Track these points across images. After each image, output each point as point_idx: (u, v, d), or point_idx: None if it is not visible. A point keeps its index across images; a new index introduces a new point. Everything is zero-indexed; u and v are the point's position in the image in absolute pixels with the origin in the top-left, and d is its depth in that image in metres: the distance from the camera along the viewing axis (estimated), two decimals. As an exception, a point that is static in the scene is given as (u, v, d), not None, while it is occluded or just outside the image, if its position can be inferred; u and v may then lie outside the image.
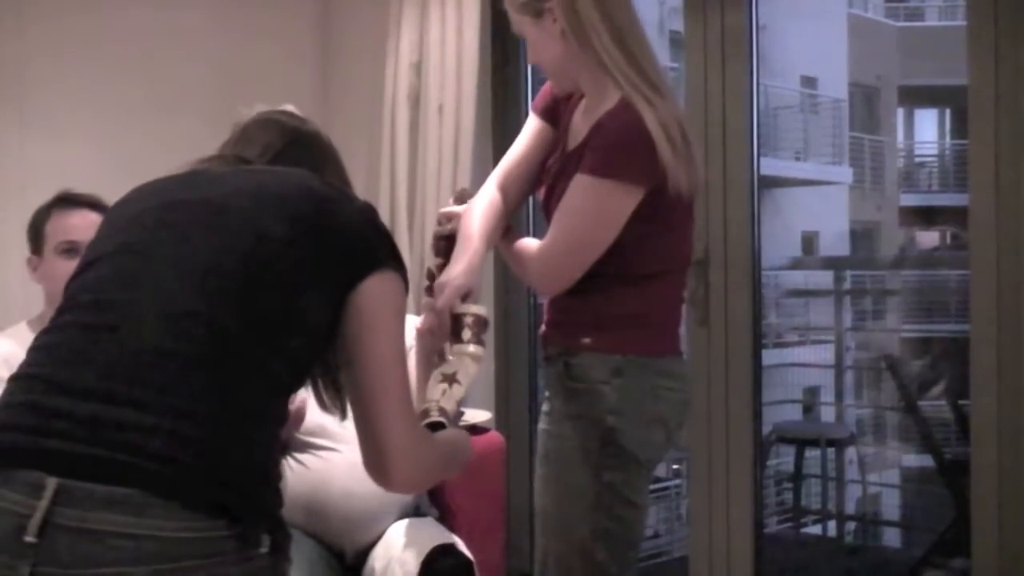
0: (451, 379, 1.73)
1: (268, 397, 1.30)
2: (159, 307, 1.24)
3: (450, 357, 1.79)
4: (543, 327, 2.04)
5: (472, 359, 1.78)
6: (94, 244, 1.38)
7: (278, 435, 1.32)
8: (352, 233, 1.37)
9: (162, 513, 1.14)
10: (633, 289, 1.91)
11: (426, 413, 1.66)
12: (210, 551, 1.15)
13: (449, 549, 2.28)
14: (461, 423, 2.73)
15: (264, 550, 1.21)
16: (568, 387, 1.92)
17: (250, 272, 1.28)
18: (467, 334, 1.79)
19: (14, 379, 1.26)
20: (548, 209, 1.96)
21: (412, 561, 2.22)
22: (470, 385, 1.77)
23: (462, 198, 2.04)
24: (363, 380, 1.35)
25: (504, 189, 2.03)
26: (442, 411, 1.68)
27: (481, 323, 1.80)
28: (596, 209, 1.85)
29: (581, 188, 1.85)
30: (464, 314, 1.79)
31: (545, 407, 2.07)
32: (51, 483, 1.14)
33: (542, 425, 2.06)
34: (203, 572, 1.15)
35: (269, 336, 1.28)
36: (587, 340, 1.91)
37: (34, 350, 1.28)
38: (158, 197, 1.39)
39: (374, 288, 1.35)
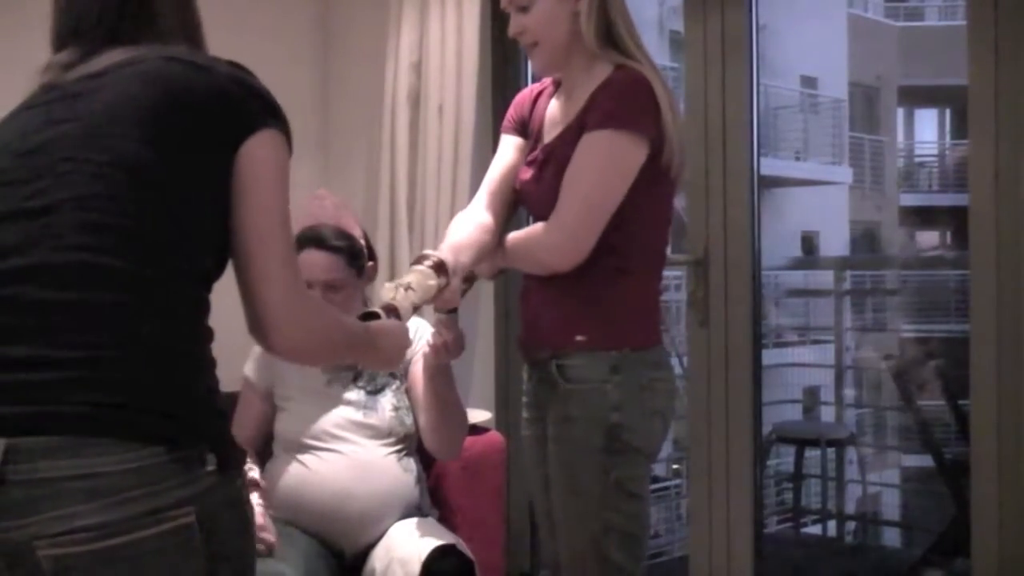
0: (406, 287, 1.81)
1: (182, 320, 1.31)
2: (52, 262, 1.25)
3: (407, 276, 1.86)
4: (522, 331, 2.04)
5: (421, 275, 1.84)
6: None
7: (203, 353, 1.33)
8: (217, 107, 1.33)
9: (101, 451, 1.19)
10: (625, 280, 1.91)
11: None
12: (154, 478, 1.20)
13: (450, 549, 2.28)
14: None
15: (211, 468, 1.25)
16: (565, 389, 1.92)
17: (133, 204, 1.27)
18: (428, 263, 1.86)
19: None
20: (539, 194, 1.96)
21: (413, 561, 2.22)
22: (425, 297, 1.84)
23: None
24: (244, 241, 1.33)
25: (492, 208, 2.04)
26: (387, 307, 1.76)
27: (440, 264, 1.87)
28: (610, 162, 1.85)
29: (591, 145, 1.86)
30: (430, 254, 1.89)
31: (529, 413, 2.06)
32: (0, 444, 1.19)
33: (529, 432, 2.06)
34: (150, 499, 1.20)
35: (166, 261, 1.29)
36: (581, 337, 1.90)
37: None
38: (22, 143, 1.34)
39: (252, 151, 1.33)
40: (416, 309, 1.84)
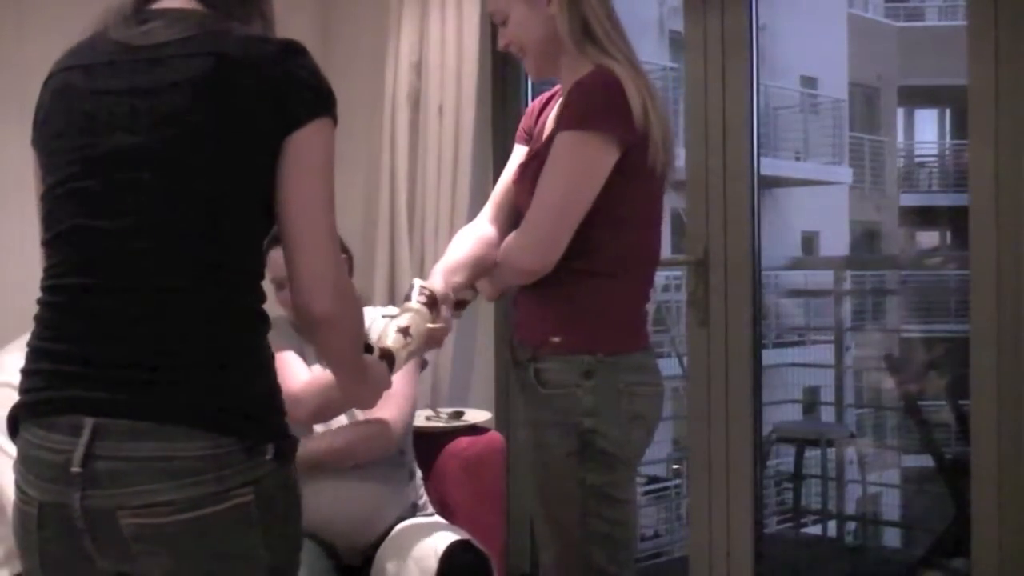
0: (405, 332, 1.87)
1: (252, 324, 1.45)
2: (130, 285, 1.39)
3: (403, 316, 1.91)
4: (512, 333, 2.03)
5: (419, 316, 1.90)
6: (47, 214, 1.47)
7: (267, 352, 1.46)
8: (267, 108, 1.41)
9: (183, 437, 1.35)
10: (603, 283, 1.89)
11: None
12: (224, 464, 1.36)
13: (467, 545, 2.28)
14: (461, 422, 2.76)
15: (269, 457, 1.40)
16: (540, 394, 1.91)
17: (201, 223, 1.39)
18: (421, 299, 1.92)
19: (33, 350, 1.45)
20: (520, 195, 1.97)
21: (430, 558, 2.21)
22: (420, 343, 1.90)
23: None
24: (292, 221, 1.43)
25: (496, 220, 2.05)
26: (385, 351, 1.83)
27: (433, 298, 1.93)
28: (576, 162, 1.83)
29: (559, 147, 1.85)
30: (422, 286, 1.95)
31: (519, 417, 2.06)
32: (88, 423, 1.35)
33: (518, 433, 2.05)
34: (219, 482, 1.36)
35: (236, 272, 1.43)
36: (556, 339, 1.89)
37: (40, 323, 1.46)
38: (89, 143, 1.42)
39: (300, 143, 1.42)
40: (411, 357, 1.91)
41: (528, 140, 2.08)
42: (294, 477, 1.47)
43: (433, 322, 1.92)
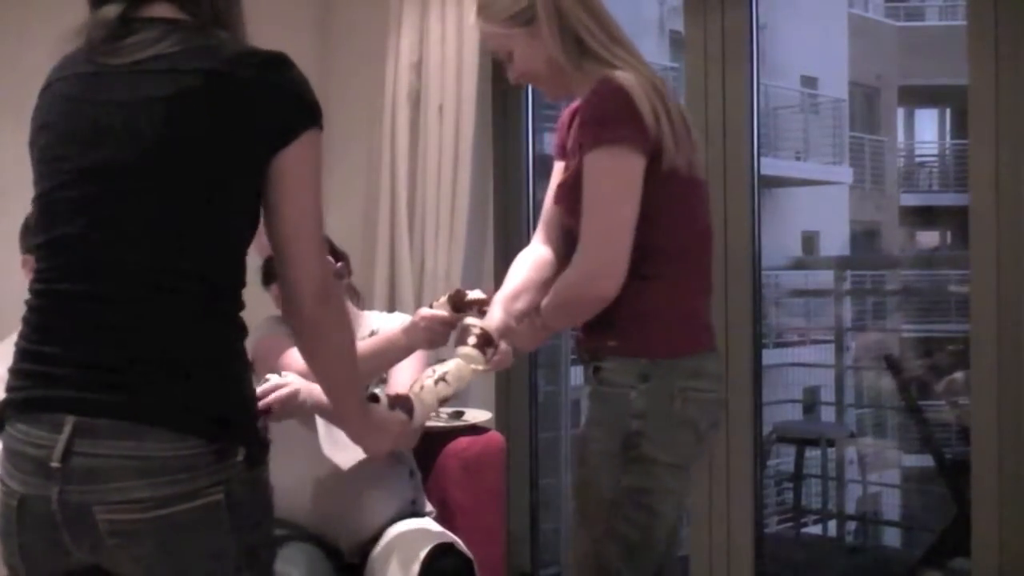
0: (441, 379, 1.94)
1: (231, 330, 1.49)
2: (113, 293, 1.43)
3: (448, 363, 1.98)
4: (578, 331, 2.03)
5: (467, 362, 1.95)
6: (38, 219, 1.50)
7: (244, 359, 1.51)
8: (257, 125, 1.43)
9: (156, 437, 1.39)
10: (653, 287, 1.88)
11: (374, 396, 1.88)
12: (195, 464, 1.41)
13: (449, 548, 2.29)
14: (461, 422, 2.76)
15: (240, 459, 1.45)
16: (598, 392, 1.92)
17: (186, 233, 1.43)
18: (472, 340, 1.95)
19: (20, 350, 1.49)
20: (565, 214, 1.98)
21: (413, 561, 2.22)
22: (459, 388, 1.97)
23: (457, 301, 2.11)
24: (283, 232, 1.48)
25: (548, 239, 2.06)
26: (397, 397, 1.92)
27: (486, 337, 1.96)
28: (608, 181, 1.83)
29: (589, 170, 1.84)
30: (472, 326, 1.98)
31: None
32: (69, 420, 1.39)
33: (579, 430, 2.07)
34: (190, 481, 1.40)
35: (218, 281, 1.46)
36: (613, 343, 1.89)
37: (27, 324, 1.49)
38: (79, 153, 1.45)
39: (290, 157, 1.45)
40: (444, 401, 1.97)
41: (564, 154, 2.07)
42: (265, 479, 1.52)
43: (488, 360, 1.95)
